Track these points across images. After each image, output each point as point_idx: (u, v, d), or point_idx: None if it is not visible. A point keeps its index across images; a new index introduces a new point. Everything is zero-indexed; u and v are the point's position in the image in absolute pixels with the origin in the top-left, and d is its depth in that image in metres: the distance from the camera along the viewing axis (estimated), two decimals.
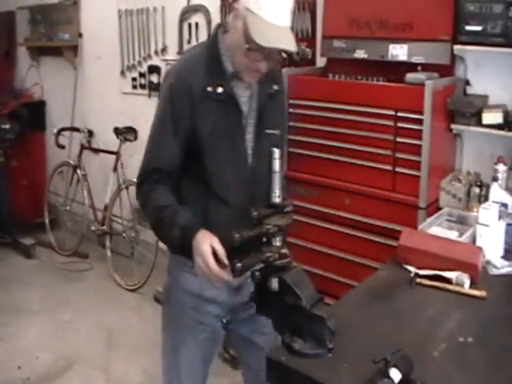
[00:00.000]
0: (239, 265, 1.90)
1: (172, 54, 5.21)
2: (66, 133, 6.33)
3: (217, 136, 2.27)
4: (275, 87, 2.44)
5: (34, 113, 6.94)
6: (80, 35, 6.36)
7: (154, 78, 5.53)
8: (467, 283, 2.37)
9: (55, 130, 6.14)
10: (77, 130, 6.30)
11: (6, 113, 6.62)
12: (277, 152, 2.03)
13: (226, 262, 2.05)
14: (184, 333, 2.53)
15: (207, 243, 2.10)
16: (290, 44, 2.15)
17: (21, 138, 6.62)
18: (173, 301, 2.56)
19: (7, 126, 6.40)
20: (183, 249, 2.21)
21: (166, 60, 5.34)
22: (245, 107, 2.34)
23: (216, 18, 4.77)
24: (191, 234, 2.16)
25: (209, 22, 4.86)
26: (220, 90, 2.25)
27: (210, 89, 2.23)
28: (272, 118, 2.41)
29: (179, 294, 2.50)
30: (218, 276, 2.07)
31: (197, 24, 5.00)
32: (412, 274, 2.46)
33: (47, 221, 6.68)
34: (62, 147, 6.18)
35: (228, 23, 2.29)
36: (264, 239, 2.04)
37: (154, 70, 5.54)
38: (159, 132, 2.31)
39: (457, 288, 2.36)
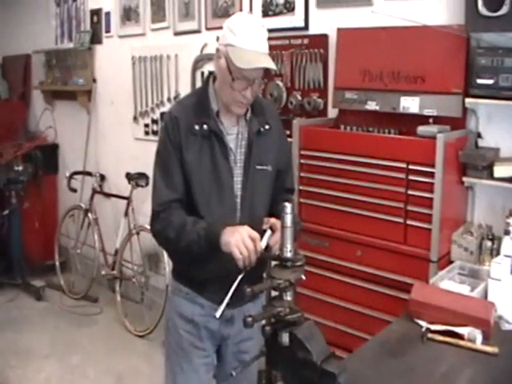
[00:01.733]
0: (250, 319, 1.90)
1: None
2: (78, 176, 6.37)
3: (202, 168, 2.49)
4: (266, 126, 2.63)
5: (48, 155, 7.00)
6: (94, 80, 6.45)
7: None
8: (479, 339, 2.36)
9: (68, 174, 6.18)
10: (89, 174, 6.34)
11: (20, 154, 6.67)
12: (288, 207, 2.04)
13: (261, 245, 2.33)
14: (181, 357, 2.72)
15: (242, 227, 2.35)
16: (268, 63, 2.39)
17: (34, 180, 6.69)
18: (171, 326, 2.76)
19: (20, 168, 6.46)
20: (209, 242, 2.37)
21: None
22: (232, 143, 2.57)
23: None
24: (217, 227, 2.38)
25: None
26: (205, 127, 2.49)
27: (197, 127, 2.49)
28: (262, 154, 2.61)
29: (176, 318, 2.72)
30: (253, 250, 2.29)
31: (210, 73, 5.03)
32: (423, 329, 2.45)
33: (58, 263, 6.68)
34: (74, 190, 6.21)
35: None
36: (275, 293, 2.05)
37: None
38: (168, 164, 2.51)
39: (469, 344, 2.34)
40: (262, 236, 2.37)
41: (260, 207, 2.61)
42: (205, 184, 2.50)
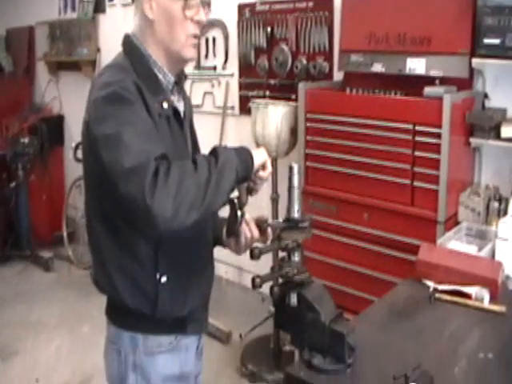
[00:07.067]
0: (258, 280, 1.90)
1: (189, 68, 5.23)
2: None
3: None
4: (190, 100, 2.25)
5: (53, 127, 6.97)
6: (98, 50, 6.41)
7: None
8: (487, 298, 2.35)
9: (74, 144, 6.14)
10: None
11: (25, 127, 6.66)
12: (295, 167, 2.03)
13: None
14: None
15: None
16: None
17: (40, 152, 6.67)
18: None
19: (26, 141, 6.46)
20: (243, 159, 1.85)
21: None
22: (185, 123, 2.09)
23: (233, 33, 4.79)
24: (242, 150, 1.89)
25: (226, 37, 4.88)
26: (166, 105, 1.94)
27: (165, 105, 1.94)
28: (195, 133, 2.23)
29: None
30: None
31: (214, 39, 5.02)
32: (431, 289, 2.45)
33: (65, 234, 6.69)
34: (80, 161, 6.17)
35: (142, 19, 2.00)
36: (283, 254, 2.04)
37: None
38: (147, 131, 1.79)
39: (476, 303, 2.34)
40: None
41: None
42: None
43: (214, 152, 1.82)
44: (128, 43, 2.05)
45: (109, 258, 1.99)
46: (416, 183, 3.29)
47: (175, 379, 2.09)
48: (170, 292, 1.98)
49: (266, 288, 1.97)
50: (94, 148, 1.80)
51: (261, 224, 2.15)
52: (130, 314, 2.01)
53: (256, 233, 2.14)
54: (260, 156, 1.93)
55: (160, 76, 1.99)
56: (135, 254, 1.94)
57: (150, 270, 1.95)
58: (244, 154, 1.88)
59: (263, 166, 1.95)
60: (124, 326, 2.05)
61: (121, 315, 2.05)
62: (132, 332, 2.03)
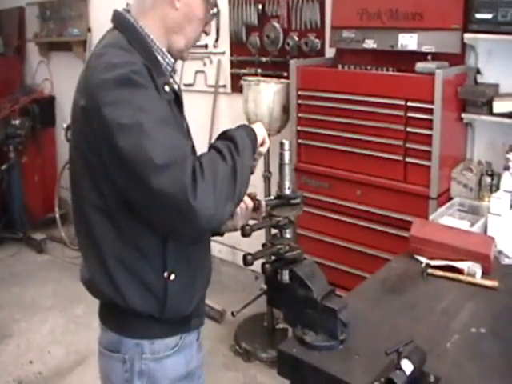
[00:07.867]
0: (250, 257, 1.89)
1: None
2: None
3: None
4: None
5: (44, 108, 6.91)
6: (89, 30, 6.34)
7: None
8: (479, 273, 2.37)
9: (65, 125, 6.09)
10: None
11: (17, 109, 6.61)
12: (286, 143, 2.02)
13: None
14: None
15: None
16: None
17: (31, 134, 6.64)
18: None
19: (17, 122, 6.42)
20: (251, 138, 1.84)
21: None
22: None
23: (224, 10, 4.74)
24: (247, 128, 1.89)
25: (217, 14, 4.81)
26: (167, 88, 1.81)
27: (167, 88, 1.81)
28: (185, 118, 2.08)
29: None
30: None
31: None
32: (423, 265, 2.45)
33: (58, 216, 6.67)
34: None
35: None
36: (274, 231, 2.04)
37: None
38: (166, 120, 1.69)
39: (469, 278, 2.35)
40: None
41: None
42: None
43: (230, 137, 1.77)
44: (121, 19, 1.89)
45: (111, 256, 1.82)
46: (408, 159, 3.29)
47: (182, 379, 1.99)
48: (179, 289, 1.88)
49: (259, 266, 1.97)
50: (105, 135, 1.63)
51: (252, 199, 2.14)
52: (134, 318, 1.87)
53: (250, 203, 2.10)
54: (260, 132, 1.93)
55: (159, 57, 1.85)
56: (142, 251, 1.81)
57: (157, 267, 1.83)
58: (251, 134, 1.85)
59: (262, 142, 1.95)
60: (127, 333, 1.91)
61: (123, 320, 1.91)
62: (137, 339, 1.89)
